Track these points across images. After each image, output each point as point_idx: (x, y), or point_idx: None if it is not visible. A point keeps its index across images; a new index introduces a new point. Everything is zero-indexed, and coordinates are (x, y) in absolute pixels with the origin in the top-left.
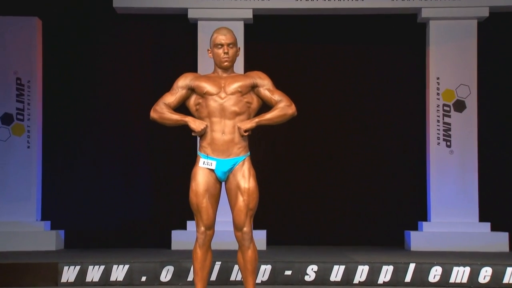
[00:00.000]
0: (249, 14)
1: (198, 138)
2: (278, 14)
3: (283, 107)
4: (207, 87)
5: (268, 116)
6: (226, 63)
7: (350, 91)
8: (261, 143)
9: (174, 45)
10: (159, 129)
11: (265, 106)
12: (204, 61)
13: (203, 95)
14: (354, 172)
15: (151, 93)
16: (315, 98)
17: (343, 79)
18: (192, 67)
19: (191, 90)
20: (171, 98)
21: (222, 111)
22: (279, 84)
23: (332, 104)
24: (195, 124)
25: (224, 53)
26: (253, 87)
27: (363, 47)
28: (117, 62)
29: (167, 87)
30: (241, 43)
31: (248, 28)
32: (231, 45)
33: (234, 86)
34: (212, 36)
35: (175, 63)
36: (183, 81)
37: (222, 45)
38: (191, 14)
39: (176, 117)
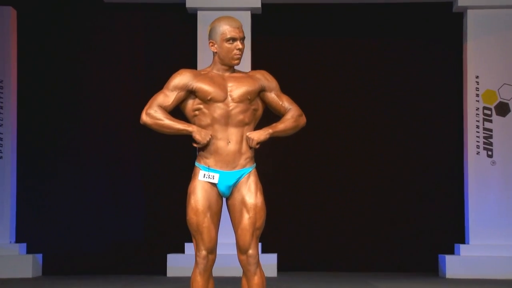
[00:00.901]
0: (257, 3)
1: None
2: (290, 3)
3: (296, 117)
4: (212, 92)
5: (282, 127)
6: (237, 61)
7: (372, 93)
8: (269, 153)
9: (170, 39)
10: (153, 137)
11: (267, 111)
12: (205, 57)
13: (207, 101)
14: (378, 187)
15: (144, 95)
16: (331, 100)
17: (364, 78)
18: (190, 63)
19: (190, 92)
20: (167, 100)
21: (228, 118)
22: (290, 83)
23: (351, 107)
24: (201, 135)
25: (238, 49)
26: (260, 91)
27: (388, 41)
28: (104, 59)
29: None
30: (247, 36)
31: (256, 19)
32: (243, 39)
33: (243, 92)
34: (217, 26)
35: (171, 59)
36: (180, 80)
37: (235, 39)
38: (190, 3)
39: (179, 126)
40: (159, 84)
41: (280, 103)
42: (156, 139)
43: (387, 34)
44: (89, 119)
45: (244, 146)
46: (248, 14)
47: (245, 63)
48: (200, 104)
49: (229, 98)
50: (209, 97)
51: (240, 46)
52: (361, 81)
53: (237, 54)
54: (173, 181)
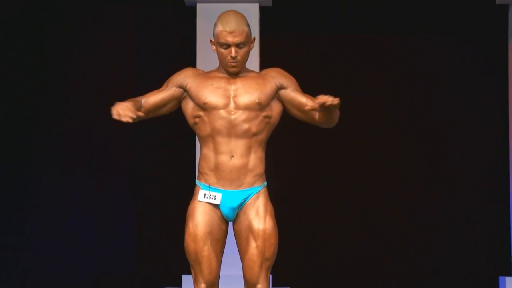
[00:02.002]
0: None
1: (197, 162)
2: None
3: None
4: (208, 96)
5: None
6: (234, 69)
7: (403, 97)
8: (280, 167)
9: (165, 35)
10: (146, 149)
11: (285, 116)
12: (205, 56)
13: (203, 106)
14: (412, 202)
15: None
16: (352, 106)
17: (393, 79)
18: (188, 63)
19: (184, 91)
20: (157, 94)
21: (232, 129)
22: (303, 85)
23: (377, 113)
24: (116, 109)
25: (232, 57)
26: (276, 92)
27: (420, 38)
28: (88, 59)
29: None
30: (256, 32)
31: (265, 12)
32: (241, 45)
33: (249, 97)
34: (215, 24)
35: (166, 60)
36: (178, 76)
37: (227, 45)
38: None
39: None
40: (153, 87)
41: (304, 99)
42: (150, 151)
43: (419, 30)
44: (71, 131)
45: (252, 161)
46: (256, 7)
47: (253, 62)
48: (199, 110)
49: (232, 105)
50: (204, 102)
51: (233, 54)
52: (389, 82)
53: (231, 62)
54: (170, 202)
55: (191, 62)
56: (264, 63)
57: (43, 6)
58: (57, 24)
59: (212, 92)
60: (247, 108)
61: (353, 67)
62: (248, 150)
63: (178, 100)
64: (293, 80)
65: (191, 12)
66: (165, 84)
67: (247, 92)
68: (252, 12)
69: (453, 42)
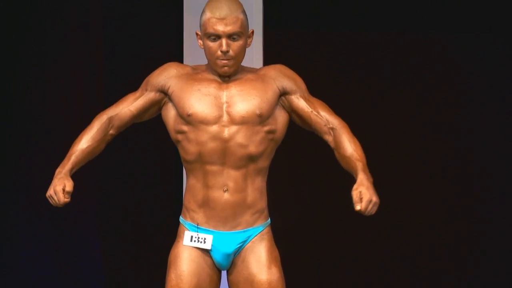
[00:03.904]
0: None
1: (183, 194)
2: None
3: (351, 133)
4: (194, 105)
5: (365, 160)
6: (225, 68)
7: (427, 103)
8: (283, 201)
9: (146, 30)
10: (118, 176)
11: (292, 126)
12: (192, 55)
13: (187, 119)
14: (446, 237)
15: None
16: (371, 114)
17: (422, 82)
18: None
19: (167, 95)
20: (127, 104)
21: (226, 151)
22: (316, 86)
23: (404, 125)
24: (52, 191)
25: (222, 51)
26: (279, 98)
27: (436, 36)
28: (53, 59)
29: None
30: (259, 26)
31: (270, 3)
32: (234, 37)
33: (248, 107)
34: (202, 14)
35: (147, 59)
36: (159, 79)
37: (217, 36)
38: None
39: (66, 157)
40: (129, 91)
41: (314, 112)
42: (122, 179)
43: (434, 28)
44: (28, 148)
45: (251, 194)
46: None
47: (256, 59)
48: (183, 124)
49: (225, 117)
50: (188, 113)
51: (224, 48)
52: (417, 86)
53: (222, 60)
54: (148, 245)
55: (176, 59)
56: (268, 60)
57: None
58: (22, 18)
59: (199, 101)
60: (244, 121)
61: (368, 64)
62: (245, 180)
63: (160, 106)
64: (299, 80)
65: (177, 4)
66: (143, 85)
67: (244, 100)
68: (255, 4)
69: (488, 41)
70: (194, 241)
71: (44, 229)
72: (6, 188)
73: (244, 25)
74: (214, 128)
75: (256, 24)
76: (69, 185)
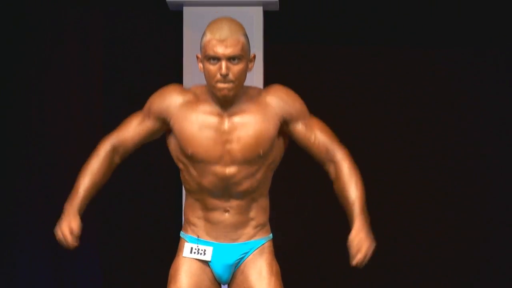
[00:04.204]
0: None
1: (183, 209)
2: None
3: (351, 166)
4: (195, 144)
5: (363, 198)
6: (224, 91)
7: (428, 112)
8: (284, 215)
9: (144, 45)
10: (118, 189)
11: (292, 146)
12: (192, 71)
13: (188, 156)
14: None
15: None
16: (376, 132)
17: (429, 100)
18: (173, 80)
19: (169, 125)
20: (131, 131)
21: (227, 188)
22: (315, 105)
23: (411, 144)
24: (59, 230)
25: (222, 75)
26: (280, 127)
27: (439, 51)
28: (48, 73)
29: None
30: (259, 41)
31: (271, 17)
32: (235, 60)
33: (251, 147)
34: (203, 36)
35: (146, 75)
36: (162, 106)
37: (217, 58)
38: None
39: (74, 190)
40: (131, 108)
41: (312, 139)
42: (123, 193)
43: (439, 43)
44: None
45: (254, 212)
46: (260, 11)
47: (257, 75)
48: (184, 157)
49: (227, 157)
50: (189, 153)
51: (223, 71)
52: (419, 100)
53: (221, 83)
54: (149, 259)
55: (175, 78)
56: (269, 75)
57: None
58: (22, 27)
59: (200, 138)
60: (246, 161)
61: (372, 81)
62: (249, 204)
63: (162, 131)
64: (298, 103)
65: (177, 18)
66: (145, 109)
67: (246, 137)
68: (255, 18)
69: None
70: (194, 252)
71: (43, 237)
72: (5, 188)
73: (245, 48)
74: (215, 167)
75: (257, 39)
76: (76, 227)
